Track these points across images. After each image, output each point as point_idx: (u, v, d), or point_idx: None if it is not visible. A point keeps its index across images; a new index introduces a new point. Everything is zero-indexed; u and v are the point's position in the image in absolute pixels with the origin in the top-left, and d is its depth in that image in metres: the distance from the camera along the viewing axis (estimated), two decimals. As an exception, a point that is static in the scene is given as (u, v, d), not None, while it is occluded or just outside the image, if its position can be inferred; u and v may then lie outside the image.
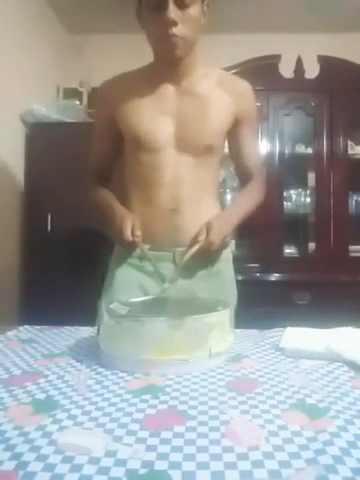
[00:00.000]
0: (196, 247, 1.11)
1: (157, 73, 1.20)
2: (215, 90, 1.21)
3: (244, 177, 1.32)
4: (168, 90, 1.20)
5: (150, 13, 1.10)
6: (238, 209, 1.27)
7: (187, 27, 1.10)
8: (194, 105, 1.19)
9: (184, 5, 1.08)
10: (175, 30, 1.08)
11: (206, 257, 1.17)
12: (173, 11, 1.06)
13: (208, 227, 1.12)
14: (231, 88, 1.22)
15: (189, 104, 1.19)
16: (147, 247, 1.17)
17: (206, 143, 1.19)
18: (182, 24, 1.08)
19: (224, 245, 1.21)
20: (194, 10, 1.11)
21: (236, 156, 1.31)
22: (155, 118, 1.19)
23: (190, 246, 1.14)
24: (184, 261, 1.10)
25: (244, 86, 1.26)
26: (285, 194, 2.79)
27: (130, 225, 1.13)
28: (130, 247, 1.17)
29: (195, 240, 1.13)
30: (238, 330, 1.02)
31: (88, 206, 1.37)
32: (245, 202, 1.29)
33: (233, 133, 1.26)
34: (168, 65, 1.18)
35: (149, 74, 1.22)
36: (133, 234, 1.12)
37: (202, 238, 1.11)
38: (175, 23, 1.07)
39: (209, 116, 1.18)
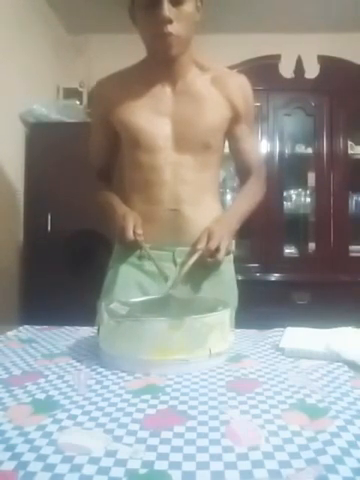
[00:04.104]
0: (195, 256, 1.09)
1: (152, 72, 1.20)
2: (210, 88, 1.20)
3: (244, 174, 1.31)
4: (164, 90, 1.20)
5: (144, 11, 1.09)
6: (239, 211, 1.25)
7: (182, 25, 1.08)
8: (190, 105, 1.18)
9: (178, 2, 1.07)
10: (170, 28, 1.06)
11: (208, 265, 1.15)
12: (168, 9, 1.05)
13: (209, 234, 1.11)
14: (225, 85, 1.21)
15: (185, 104, 1.18)
16: (147, 246, 1.17)
17: (203, 141, 1.19)
18: (177, 22, 1.07)
19: (227, 252, 1.17)
20: (189, 7, 1.09)
21: (235, 153, 1.31)
22: (152, 119, 1.18)
23: (190, 254, 1.13)
24: (183, 273, 1.08)
25: (239, 81, 1.25)
26: (285, 194, 2.79)
27: (132, 224, 1.13)
28: (132, 246, 1.17)
29: (195, 248, 1.11)
30: (238, 330, 1.02)
31: (88, 206, 1.37)
32: (245, 202, 1.28)
33: (231, 131, 1.25)
34: (163, 63, 1.17)
35: (144, 72, 1.21)
36: (135, 233, 1.12)
37: (202, 246, 1.10)
38: (170, 21, 1.06)
39: (205, 114, 1.18)
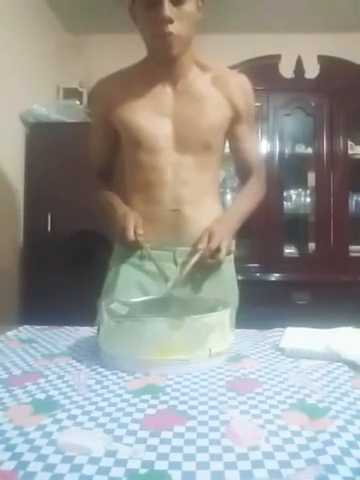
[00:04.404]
0: (196, 257, 1.09)
1: (153, 72, 1.19)
2: (211, 88, 1.20)
3: (244, 173, 1.31)
4: (165, 91, 1.19)
5: (144, 10, 1.08)
6: (239, 211, 1.25)
7: (183, 24, 1.08)
8: (191, 105, 1.18)
9: (179, 2, 1.06)
10: (171, 28, 1.06)
11: (209, 265, 1.15)
12: (168, 8, 1.04)
13: (209, 234, 1.11)
14: (226, 84, 1.21)
15: (186, 104, 1.18)
16: (148, 246, 1.17)
17: (204, 141, 1.19)
18: (178, 21, 1.06)
19: (228, 252, 1.18)
20: (189, 6, 1.09)
21: (236, 153, 1.30)
22: (153, 120, 1.18)
23: (191, 254, 1.13)
24: (185, 273, 1.08)
25: (240, 81, 1.24)
26: (285, 194, 2.79)
27: (133, 224, 1.13)
28: (132, 246, 1.17)
29: (196, 248, 1.11)
30: (238, 330, 1.02)
31: (88, 206, 1.37)
32: (246, 202, 1.28)
33: (232, 131, 1.25)
34: (163, 63, 1.17)
35: (145, 72, 1.21)
36: (135, 233, 1.12)
37: (203, 246, 1.10)
38: (171, 21, 1.05)
39: (206, 115, 1.18)
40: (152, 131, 1.18)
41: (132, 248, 1.19)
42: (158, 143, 1.18)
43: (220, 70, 1.25)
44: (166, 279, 1.14)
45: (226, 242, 1.11)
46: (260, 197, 1.31)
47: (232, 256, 1.29)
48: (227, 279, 1.25)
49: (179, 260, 1.19)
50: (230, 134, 1.26)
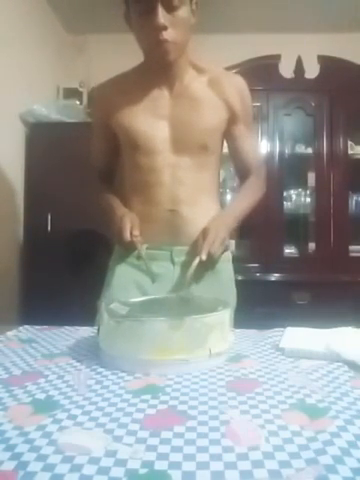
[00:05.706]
0: (196, 261, 1.09)
1: (150, 76, 1.20)
2: (207, 90, 1.20)
3: (243, 174, 1.32)
4: (162, 94, 1.20)
5: (138, 17, 1.08)
6: (236, 209, 1.26)
7: (177, 31, 1.08)
8: (187, 107, 1.19)
9: (173, 8, 1.06)
10: (165, 35, 1.06)
11: (206, 263, 1.15)
12: (162, 16, 1.04)
13: (204, 234, 1.12)
14: (222, 86, 1.21)
15: (182, 107, 1.19)
16: (145, 246, 1.18)
17: (201, 143, 1.20)
18: (172, 28, 1.06)
19: (224, 248, 1.19)
20: (183, 12, 1.09)
21: (234, 154, 1.31)
22: (151, 123, 1.19)
23: (189, 254, 1.14)
24: (190, 276, 1.09)
25: (235, 82, 1.25)
26: (285, 194, 2.79)
27: (129, 225, 1.13)
28: (129, 247, 1.17)
29: (194, 251, 1.12)
30: (238, 330, 1.02)
31: (88, 206, 1.37)
32: (244, 201, 1.28)
33: (229, 131, 1.26)
34: (160, 68, 1.18)
35: (142, 76, 1.22)
36: (131, 234, 1.12)
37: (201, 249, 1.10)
38: (165, 28, 1.05)
39: (202, 116, 1.18)
40: (150, 134, 1.19)
41: (128, 248, 1.19)
42: (156, 145, 1.19)
43: (216, 72, 1.26)
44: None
45: (220, 236, 1.12)
46: (259, 196, 1.31)
47: (230, 256, 1.29)
48: (224, 279, 1.26)
49: (176, 259, 1.20)
50: (227, 135, 1.27)
